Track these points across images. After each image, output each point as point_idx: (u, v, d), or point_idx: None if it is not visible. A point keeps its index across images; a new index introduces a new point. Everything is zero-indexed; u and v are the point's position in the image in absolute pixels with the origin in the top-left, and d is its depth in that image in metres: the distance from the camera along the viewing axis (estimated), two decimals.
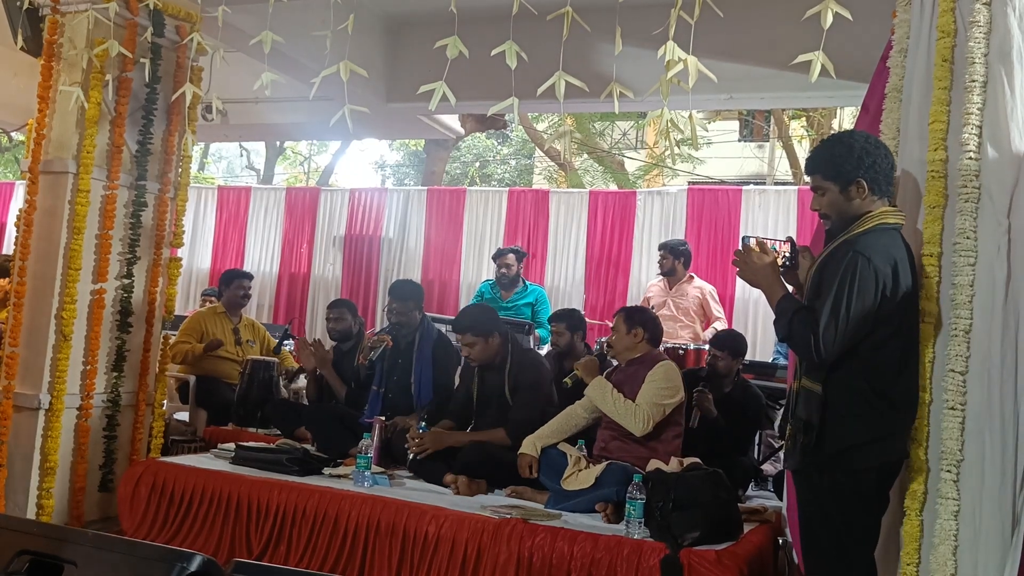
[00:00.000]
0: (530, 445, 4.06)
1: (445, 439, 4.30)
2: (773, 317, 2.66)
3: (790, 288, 2.78)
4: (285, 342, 6.50)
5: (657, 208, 8.30)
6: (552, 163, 15.64)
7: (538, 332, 6.47)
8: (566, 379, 4.28)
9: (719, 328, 6.25)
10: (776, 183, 14.41)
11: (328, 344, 5.69)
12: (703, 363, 5.38)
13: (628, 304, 7.94)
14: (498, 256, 6.70)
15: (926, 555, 2.61)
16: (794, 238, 2.89)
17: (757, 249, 2.73)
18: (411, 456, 4.29)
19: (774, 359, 6.38)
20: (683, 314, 6.39)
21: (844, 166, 2.59)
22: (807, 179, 2.76)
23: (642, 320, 4.23)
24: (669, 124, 2.82)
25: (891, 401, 2.56)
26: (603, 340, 5.89)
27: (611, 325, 4.26)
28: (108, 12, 3.99)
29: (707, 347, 5.55)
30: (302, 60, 5.01)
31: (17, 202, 10.25)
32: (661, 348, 5.72)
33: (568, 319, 5.27)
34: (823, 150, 2.69)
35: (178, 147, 4.72)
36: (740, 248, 2.77)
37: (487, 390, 4.44)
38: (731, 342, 4.88)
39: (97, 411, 4.40)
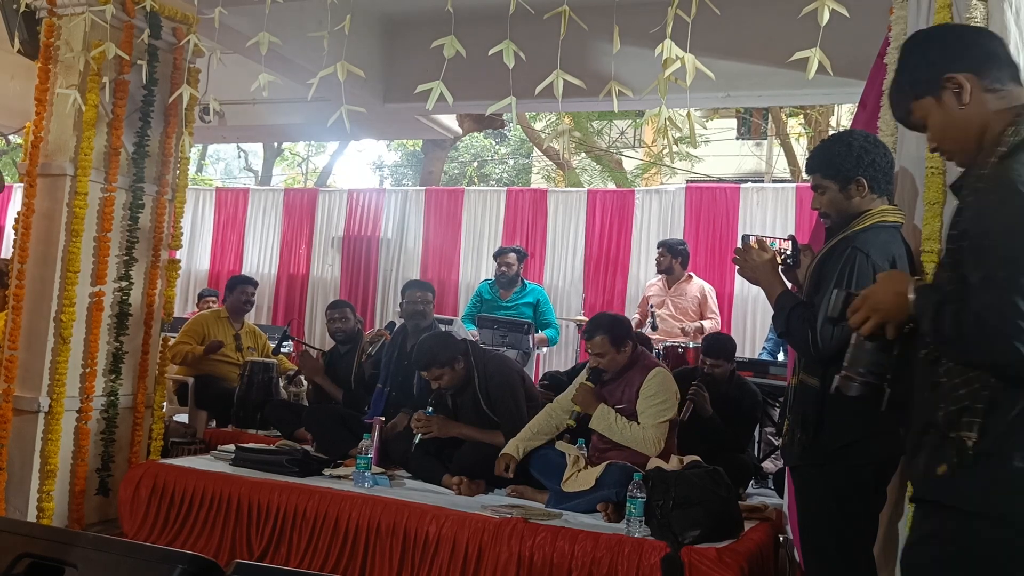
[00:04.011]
0: (513, 447, 4.05)
1: (451, 428, 4.30)
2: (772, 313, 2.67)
3: (790, 285, 2.78)
4: (284, 344, 6.50)
5: (655, 207, 8.30)
6: (550, 162, 15.65)
7: (546, 333, 6.45)
8: (569, 420, 4.00)
9: (707, 327, 6.22)
10: (774, 181, 14.42)
11: (328, 345, 5.69)
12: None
13: (627, 303, 7.96)
14: (499, 255, 6.68)
15: None
16: (795, 236, 2.89)
17: (756, 247, 2.74)
18: (416, 438, 4.28)
19: (760, 354, 6.39)
20: (682, 313, 6.39)
21: (843, 164, 2.60)
22: (806, 177, 2.77)
23: (627, 333, 4.07)
24: (667, 122, 2.83)
25: (893, 398, 2.56)
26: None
27: (591, 351, 3.97)
28: (105, 14, 4.00)
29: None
30: (299, 61, 5.01)
31: (15, 205, 10.24)
32: (661, 347, 5.76)
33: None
34: (823, 149, 2.70)
35: (176, 149, 4.72)
36: (740, 246, 2.78)
37: (463, 407, 4.41)
38: (722, 348, 4.87)
39: (97, 413, 4.40)
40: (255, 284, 6.33)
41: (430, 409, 4.37)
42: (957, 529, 1.69)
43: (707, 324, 6.28)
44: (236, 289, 6.10)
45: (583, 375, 4.10)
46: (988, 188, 1.72)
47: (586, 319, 7.32)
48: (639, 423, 3.87)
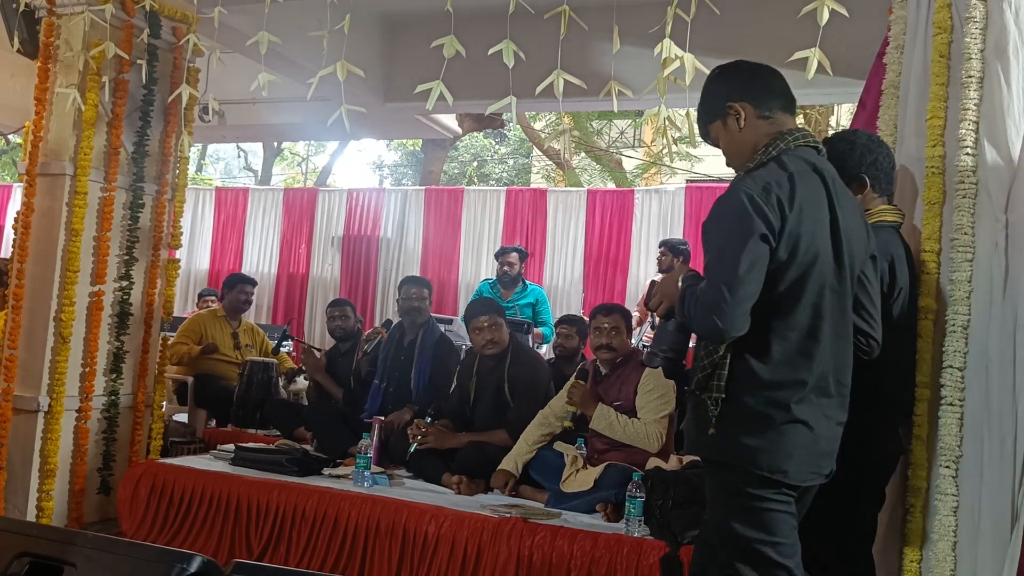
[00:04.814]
0: (511, 462, 4.05)
1: (448, 439, 4.30)
2: None
3: None
4: (284, 343, 6.50)
5: (655, 206, 8.31)
6: (550, 162, 15.63)
7: (542, 331, 6.45)
8: (567, 423, 4.01)
9: None
10: None
11: (328, 344, 5.69)
12: None
13: (627, 303, 7.96)
14: (501, 254, 6.69)
15: (926, 551, 2.61)
16: None
17: None
18: (412, 447, 4.28)
19: None
20: None
21: (847, 162, 2.62)
22: None
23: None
24: (667, 122, 2.83)
25: (890, 398, 2.57)
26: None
27: (607, 325, 4.00)
28: (104, 14, 4.00)
29: None
30: (299, 60, 5.01)
31: (15, 205, 10.24)
32: None
33: (580, 324, 5.28)
34: (827, 147, 2.73)
35: (175, 148, 4.72)
36: None
37: (485, 386, 4.43)
38: None
39: (96, 413, 4.40)
40: (254, 283, 6.32)
41: (429, 419, 4.36)
42: (722, 479, 2.16)
43: None
44: (235, 288, 6.09)
45: (572, 381, 4.08)
46: (724, 193, 2.16)
47: (587, 319, 7.33)
48: (639, 419, 3.87)
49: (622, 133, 16.81)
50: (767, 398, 2.08)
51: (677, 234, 7.79)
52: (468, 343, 5.86)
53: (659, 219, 8.23)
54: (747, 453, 2.09)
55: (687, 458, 3.76)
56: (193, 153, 9.66)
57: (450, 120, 7.98)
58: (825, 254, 2.13)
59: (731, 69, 2.34)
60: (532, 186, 15.06)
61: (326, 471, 4.28)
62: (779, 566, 2.11)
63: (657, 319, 6.53)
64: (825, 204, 2.16)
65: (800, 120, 13.13)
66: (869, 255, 2.32)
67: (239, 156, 22.66)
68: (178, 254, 4.97)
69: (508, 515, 3.56)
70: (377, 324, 8.26)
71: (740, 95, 2.27)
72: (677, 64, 2.71)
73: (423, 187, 10.09)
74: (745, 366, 2.10)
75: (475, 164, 21.17)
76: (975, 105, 2.62)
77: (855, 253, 2.22)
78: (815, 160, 2.21)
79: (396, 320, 5.32)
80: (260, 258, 9.89)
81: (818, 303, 2.12)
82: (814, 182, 2.15)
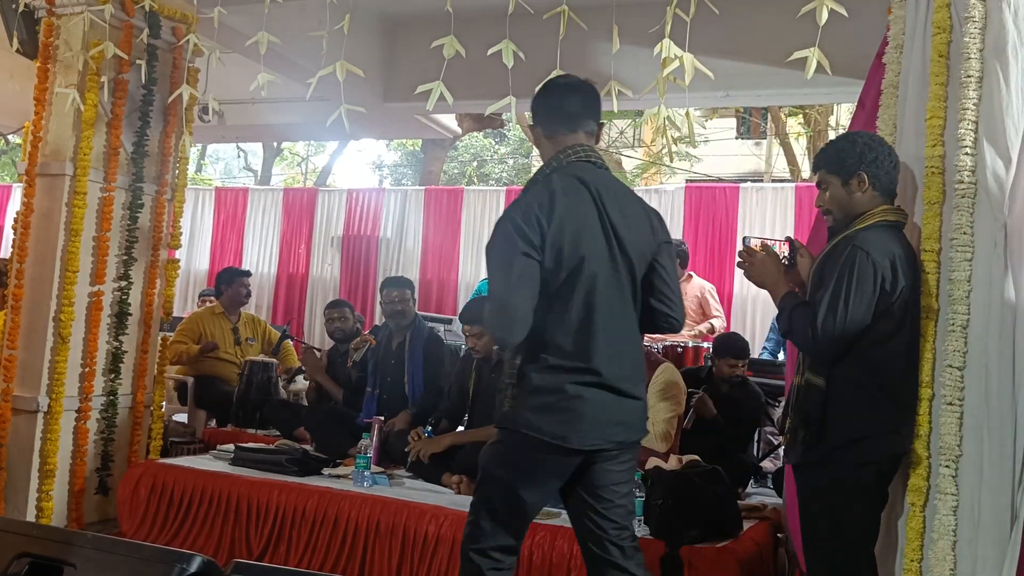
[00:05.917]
0: None
1: (442, 441, 4.28)
2: (775, 314, 2.68)
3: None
4: (284, 343, 6.49)
5: (654, 206, 8.25)
6: None
7: None
8: None
9: (716, 325, 6.23)
10: (773, 180, 14.43)
11: (327, 345, 5.68)
12: (702, 361, 5.37)
13: None
14: None
15: (926, 551, 2.61)
16: (793, 238, 2.90)
17: (759, 249, 2.75)
18: (409, 460, 4.28)
19: (760, 354, 6.39)
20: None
21: (847, 159, 2.64)
22: (805, 177, 2.79)
23: None
24: (666, 122, 2.84)
25: (894, 397, 2.57)
26: None
27: None
28: (104, 14, 4.00)
29: (705, 345, 5.55)
30: (298, 61, 5.01)
31: (14, 205, 10.24)
32: (660, 347, 5.76)
33: None
34: (828, 147, 2.78)
35: (175, 148, 4.72)
36: (743, 250, 2.79)
37: (485, 386, 4.41)
38: (743, 349, 4.80)
39: (96, 413, 4.40)
40: (249, 274, 6.29)
41: (429, 430, 4.35)
42: (507, 439, 2.54)
43: (716, 323, 6.28)
44: (235, 282, 6.05)
45: None
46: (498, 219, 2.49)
47: None
48: (647, 418, 3.86)
49: (622, 133, 16.82)
50: (553, 379, 2.44)
51: (676, 234, 7.78)
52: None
53: None
54: (533, 423, 2.44)
55: (687, 458, 3.76)
56: (193, 153, 9.67)
57: (450, 120, 7.97)
58: (594, 255, 2.45)
59: (537, 93, 2.66)
60: None
61: (326, 471, 4.28)
62: (521, 502, 2.54)
63: None
64: (593, 212, 2.47)
65: (799, 119, 13.18)
66: (662, 242, 2.62)
67: (239, 156, 22.66)
68: (178, 254, 4.96)
69: None
70: (377, 324, 8.26)
71: (535, 119, 2.62)
72: (676, 64, 2.72)
73: (423, 187, 10.08)
74: (536, 356, 2.46)
75: (475, 164, 21.17)
76: (974, 105, 2.62)
77: (634, 248, 2.52)
78: (584, 173, 2.51)
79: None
80: (260, 258, 9.87)
81: (592, 298, 2.44)
82: (580, 194, 2.47)
